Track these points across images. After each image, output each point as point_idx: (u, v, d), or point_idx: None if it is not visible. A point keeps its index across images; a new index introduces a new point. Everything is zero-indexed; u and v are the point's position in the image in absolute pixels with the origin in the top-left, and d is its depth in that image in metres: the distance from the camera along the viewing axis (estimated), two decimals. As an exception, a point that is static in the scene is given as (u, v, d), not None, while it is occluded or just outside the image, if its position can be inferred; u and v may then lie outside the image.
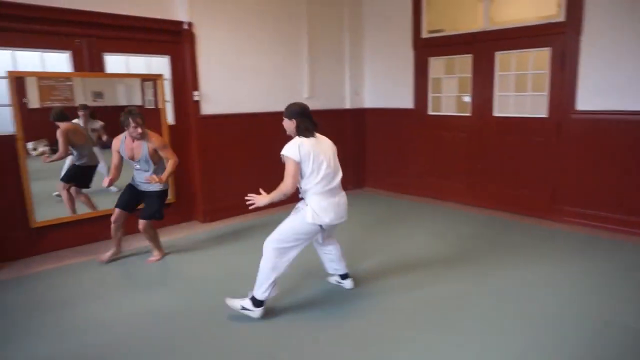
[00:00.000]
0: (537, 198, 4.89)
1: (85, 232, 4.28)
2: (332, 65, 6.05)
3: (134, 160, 3.62)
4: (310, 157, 2.67)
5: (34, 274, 3.64)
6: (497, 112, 5.13)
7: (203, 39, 4.73)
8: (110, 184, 3.57)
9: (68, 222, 4.19)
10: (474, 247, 4.04)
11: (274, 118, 5.32)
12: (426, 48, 5.64)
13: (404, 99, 5.97)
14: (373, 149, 6.47)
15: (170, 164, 3.63)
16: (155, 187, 3.66)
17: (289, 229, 2.78)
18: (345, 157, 6.16)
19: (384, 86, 6.23)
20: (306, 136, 2.73)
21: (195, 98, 4.75)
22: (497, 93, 5.09)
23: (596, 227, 4.45)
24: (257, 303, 2.80)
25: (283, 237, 2.77)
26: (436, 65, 5.65)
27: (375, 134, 6.41)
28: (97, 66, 4.21)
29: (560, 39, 4.50)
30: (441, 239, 4.30)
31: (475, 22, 5.21)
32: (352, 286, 3.22)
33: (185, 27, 4.59)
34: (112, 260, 3.86)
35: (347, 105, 6.30)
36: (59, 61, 4.09)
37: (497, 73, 5.05)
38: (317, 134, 2.82)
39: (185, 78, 4.74)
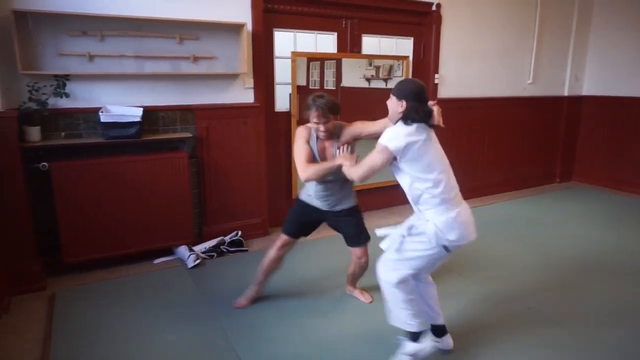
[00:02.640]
0: None
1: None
2: (556, 48, 5.65)
3: None
4: (422, 150, 2.00)
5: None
6: None
7: (448, 20, 4.68)
8: None
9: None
10: None
11: (496, 104, 5.29)
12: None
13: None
14: (588, 139, 5.97)
15: None
16: (349, 203, 2.65)
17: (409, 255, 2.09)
18: (557, 147, 5.89)
19: (612, 72, 5.67)
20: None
21: (436, 81, 4.73)
22: None
23: None
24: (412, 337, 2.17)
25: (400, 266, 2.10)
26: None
27: (594, 124, 5.88)
28: (357, 47, 4.37)
29: None
30: None
31: None
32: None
33: (434, 8, 4.57)
34: (253, 302, 2.80)
35: (565, 92, 5.87)
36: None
37: None
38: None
39: (425, 60, 4.74)
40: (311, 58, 4.71)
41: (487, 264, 3.42)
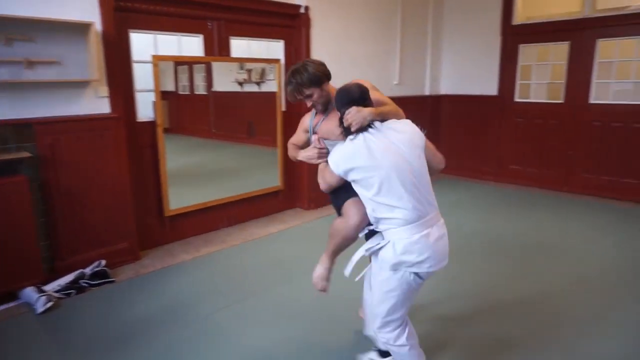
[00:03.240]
0: (636, 184, 5.03)
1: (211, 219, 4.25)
2: (416, 52, 6.05)
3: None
4: (370, 171, 1.74)
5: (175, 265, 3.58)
6: (593, 100, 5.23)
7: (317, 23, 4.68)
8: None
9: (197, 210, 4.13)
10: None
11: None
12: (517, 35, 5.69)
13: (487, 86, 6.03)
14: (448, 135, 6.53)
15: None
16: None
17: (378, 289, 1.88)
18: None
19: (463, 73, 6.27)
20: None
21: (309, 84, 4.70)
22: (595, 80, 5.19)
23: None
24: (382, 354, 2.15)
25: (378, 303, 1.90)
26: (526, 52, 5.71)
27: (452, 120, 6.46)
28: (225, 50, 4.14)
29: (671, 27, 4.61)
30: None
31: (576, 9, 5.25)
32: None
33: (302, 10, 4.53)
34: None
35: (427, 92, 6.33)
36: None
37: (597, 60, 5.14)
38: (387, 124, 1.85)
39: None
40: (178, 62, 4.39)
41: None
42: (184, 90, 4.66)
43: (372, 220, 1.84)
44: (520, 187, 5.80)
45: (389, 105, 2.02)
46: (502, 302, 2.90)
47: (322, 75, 2.02)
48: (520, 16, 5.67)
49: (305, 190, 4.93)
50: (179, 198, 3.94)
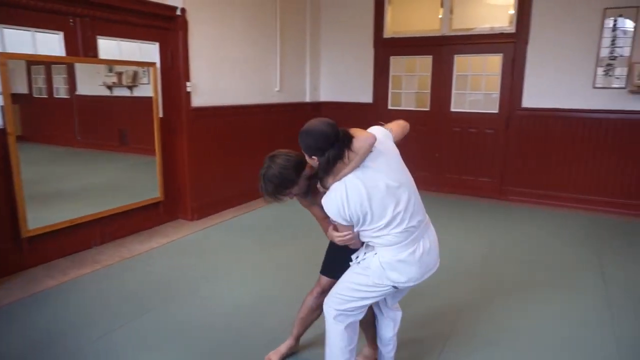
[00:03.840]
0: (488, 182, 5.76)
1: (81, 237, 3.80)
2: (296, 60, 6.17)
3: None
4: (368, 206, 1.70)
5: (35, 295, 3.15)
6: (453, 108, 5.86)
7: (195, 27, 4.49)
8: None
9: (63, 228, 3.67)
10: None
11: (252, 111, 5.43)
12: (387, 48, 6.12)
13: (363, 94, 6.40)
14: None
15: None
16: None
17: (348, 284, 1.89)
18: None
19: (341, 82, 6.56)
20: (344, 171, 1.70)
21: (188, 89, 4.49)
22: (454, 91, 5.83)
23: (537, 203, 5.47)
24: None
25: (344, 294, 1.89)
26: (396, 63, 6.17)
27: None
28: (92, 50, 3.75)
29: (510, 47, 5.37)
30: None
31: (435, 27, 5.83)
32: None
33: (179, 12, 4.31)
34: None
35: (307, 99, 6.49)
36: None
37: (455, 74, 5.77)
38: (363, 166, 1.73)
39: (175, 67, 4.44)
40: (32, 61, 3.87)
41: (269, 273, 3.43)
42: (40, 93, 4.12)
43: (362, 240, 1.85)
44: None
45: (359, 142, 1.71)
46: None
47: (287, 179, 1.83)
48: (389, 30, 6.12)
49: (188, 200, 4.70)
50: (41, 216, 3.46)
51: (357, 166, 1.69)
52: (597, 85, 5.03)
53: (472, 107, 5.82)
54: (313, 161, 1.72)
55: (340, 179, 1.69)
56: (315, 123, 1.71)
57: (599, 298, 3.09)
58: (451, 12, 5.68)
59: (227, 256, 3.80)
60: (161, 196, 4.46)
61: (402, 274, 1.76)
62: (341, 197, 1.68)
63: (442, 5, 5.70)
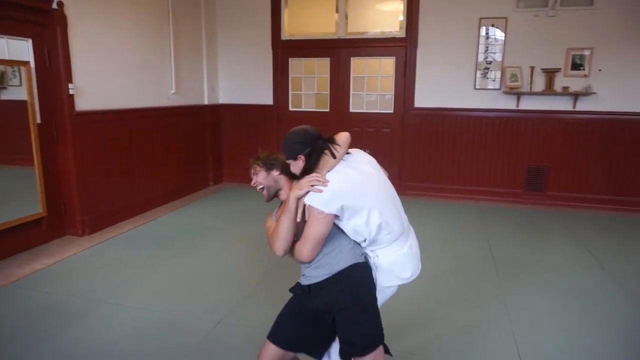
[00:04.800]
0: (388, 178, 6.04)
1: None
2: (192, 62, 5.91)
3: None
4: (359, 197, 1.70)
5: None
6: (352, 109, 6.06)
7: (77, 23, 4.07)
8: None
9: None
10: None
11: (146, 114, 5.08)
12: (286, 49, 6.13)
13: (263, 96, 6.33)
14: (229, 142, 6.60)
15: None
16: (330, 268, 1.77)
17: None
18: (206, 152, 6.24)
19: (240, 83, 6.43)
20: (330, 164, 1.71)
21: (71, 91, 4.05)
22: (352, 92, 6.02)
23: (432, 196, 5.88)
24: None
25: None
26: (295, 65, 6.20)
27: (232, 129, 6.55)
28: (-54, 47, 3.21)
29: (402, 50, 5.70)
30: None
31: (332, 30, 5.96)
32: None
33: (55, 6, 3.87)
34: None
35: (206, 101, 6.25)
36: None
37: (352, 75, 5.97)
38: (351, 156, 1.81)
39: (54, 67, 3.98)
40: None
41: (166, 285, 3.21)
42: None
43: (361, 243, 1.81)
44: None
45: (340, 136, 1.81)
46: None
47: (275, 162, 1.88)
48: (287, 32, 6.13)
49: (77, 213, 4.25)
50: None
51: (342, 156, 1.75)
52: (478, 87, 5.55)
53: (369, 108, 6.06)
54: (298, 162, 1.72)
55: (331, 169, 1.71)
56: (295, 128, 1.79)
57: (492, 274, 3.40)
58: (346, 17, 5.86)
59: (125, 273, 3.49)
60: (43, 211, 3.98)
61: (406, 269, 1.83)
62: (345, 173, 1.71)
63: (337, 11, 5.86)
